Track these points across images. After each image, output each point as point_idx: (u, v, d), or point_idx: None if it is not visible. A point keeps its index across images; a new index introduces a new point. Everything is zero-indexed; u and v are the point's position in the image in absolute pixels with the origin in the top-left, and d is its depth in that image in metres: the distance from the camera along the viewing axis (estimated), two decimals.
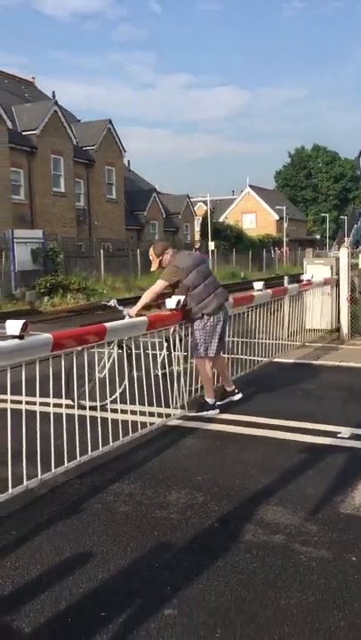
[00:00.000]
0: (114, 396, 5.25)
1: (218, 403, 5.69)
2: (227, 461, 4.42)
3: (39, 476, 3.87)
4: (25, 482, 3.78)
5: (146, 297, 5.63)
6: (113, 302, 5.92)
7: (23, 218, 26.98)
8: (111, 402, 5.23)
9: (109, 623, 2.54)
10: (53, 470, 3.97)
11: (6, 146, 25.59)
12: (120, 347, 5.54)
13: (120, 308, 5.89)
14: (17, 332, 3.61)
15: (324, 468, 4.25)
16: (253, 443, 4.81)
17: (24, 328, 3.62)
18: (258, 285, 7.72)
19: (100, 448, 4.42)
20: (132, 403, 5.05)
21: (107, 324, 4.60)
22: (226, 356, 6.46)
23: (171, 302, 5.49)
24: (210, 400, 5.62)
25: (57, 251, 22.60)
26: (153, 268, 5.85)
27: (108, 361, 5.53)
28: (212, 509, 3.60)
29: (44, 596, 2.72)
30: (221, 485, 3.95)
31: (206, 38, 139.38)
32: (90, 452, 4.31)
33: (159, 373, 5.70)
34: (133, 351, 5.28)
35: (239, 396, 5.90)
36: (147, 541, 3.23)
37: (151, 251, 5.76)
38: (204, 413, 5.56)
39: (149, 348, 5.76)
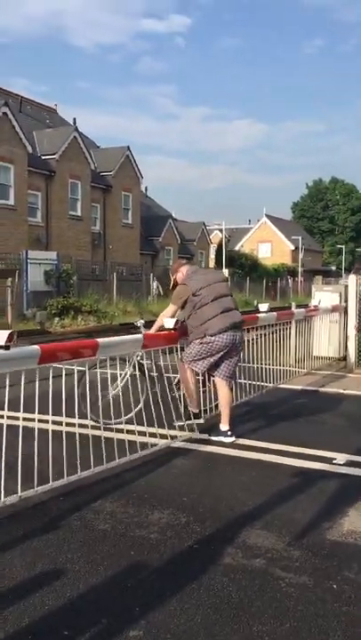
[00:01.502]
0: (129, 415, 5.33)
1: (209, 436, 5.39)
2: (215, 483, 4.30)
3: (19, 493, 3.78)
4: (2, 497, 3.69)
5: (158, 321, 5.67)
6: (140, 323, 5.95)
7: (39, 240, 27.27)
8: (122, 421, 5.21)
9: None
10: (35, 488, 3.87)
11: (25, 169, 26.02)
12: (140, 369, 5.62)
13: (142, 329, 5.86)
14: (2, 343, 3.58)
15: (316, 493, 4.11)
16: (246, 466, 4.69)
17: (9, 339, 3.59)
18: (263, 307, 7.67)
19: (93, 468, 4.28)
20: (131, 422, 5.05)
21: (99, 340, 4.56)
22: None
23: (169, 322, 5.45)
24: (192, 409, 5.55)
25: (70, 273, 22.75)
26: (171, 287, 5.84)
27: (122, 380, 5.58)
28: (193, 530, 3.48)
29: (7, 612, 2.62)
30: (206, 506, 3.83)
31: (227, 73, 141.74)
32: (79, 472, 4.18)
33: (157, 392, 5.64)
34: (153, 373, 5.49)
35: (231, 439, 5.30)
36: (122, 560, 3.12)
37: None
38: (188, 422, 5.48)
39: (170, 370, 5.81)
